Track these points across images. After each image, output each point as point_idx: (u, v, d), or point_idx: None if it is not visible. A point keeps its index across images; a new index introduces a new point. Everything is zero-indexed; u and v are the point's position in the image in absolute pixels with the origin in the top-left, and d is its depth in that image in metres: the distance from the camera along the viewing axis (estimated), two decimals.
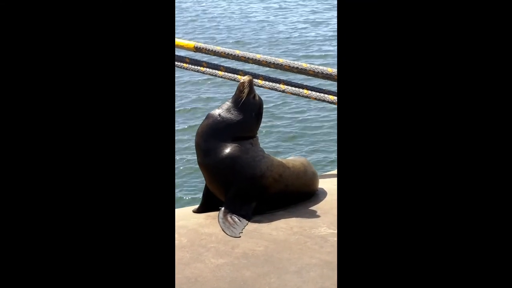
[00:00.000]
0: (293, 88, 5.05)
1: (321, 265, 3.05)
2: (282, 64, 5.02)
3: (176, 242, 3.33)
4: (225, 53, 5.23)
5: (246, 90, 3.75)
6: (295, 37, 15.78)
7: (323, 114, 10.19)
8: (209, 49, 5.30)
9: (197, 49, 5.35)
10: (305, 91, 5.02)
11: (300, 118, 10.36)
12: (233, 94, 3.85)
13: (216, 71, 5.31)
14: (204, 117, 3.85)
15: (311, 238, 3.38)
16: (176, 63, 5.32)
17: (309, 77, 5.13)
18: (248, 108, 3.77)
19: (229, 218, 3.58)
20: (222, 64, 5.44)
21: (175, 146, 8.69)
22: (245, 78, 3.82)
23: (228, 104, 3.81)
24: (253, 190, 3.69)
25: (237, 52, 5.23)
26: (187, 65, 5.38)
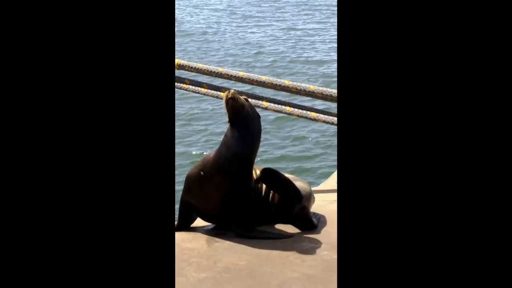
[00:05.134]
0: (276, 105, 5.09)
1: (303, 279, 3.06)
2: (265, 82, 5.06)
3: None
4: (208, 70, 5.26)
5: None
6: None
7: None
8: (192, 67, 5.32)
9: (180, 67, 5.36)
10: (287, 108, 5.06)
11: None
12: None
13: (199, 88, 5.32)
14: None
15: (293, 252, 3.39)
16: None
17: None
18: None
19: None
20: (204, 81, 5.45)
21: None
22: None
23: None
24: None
25: (220, 69, 5.26)
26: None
